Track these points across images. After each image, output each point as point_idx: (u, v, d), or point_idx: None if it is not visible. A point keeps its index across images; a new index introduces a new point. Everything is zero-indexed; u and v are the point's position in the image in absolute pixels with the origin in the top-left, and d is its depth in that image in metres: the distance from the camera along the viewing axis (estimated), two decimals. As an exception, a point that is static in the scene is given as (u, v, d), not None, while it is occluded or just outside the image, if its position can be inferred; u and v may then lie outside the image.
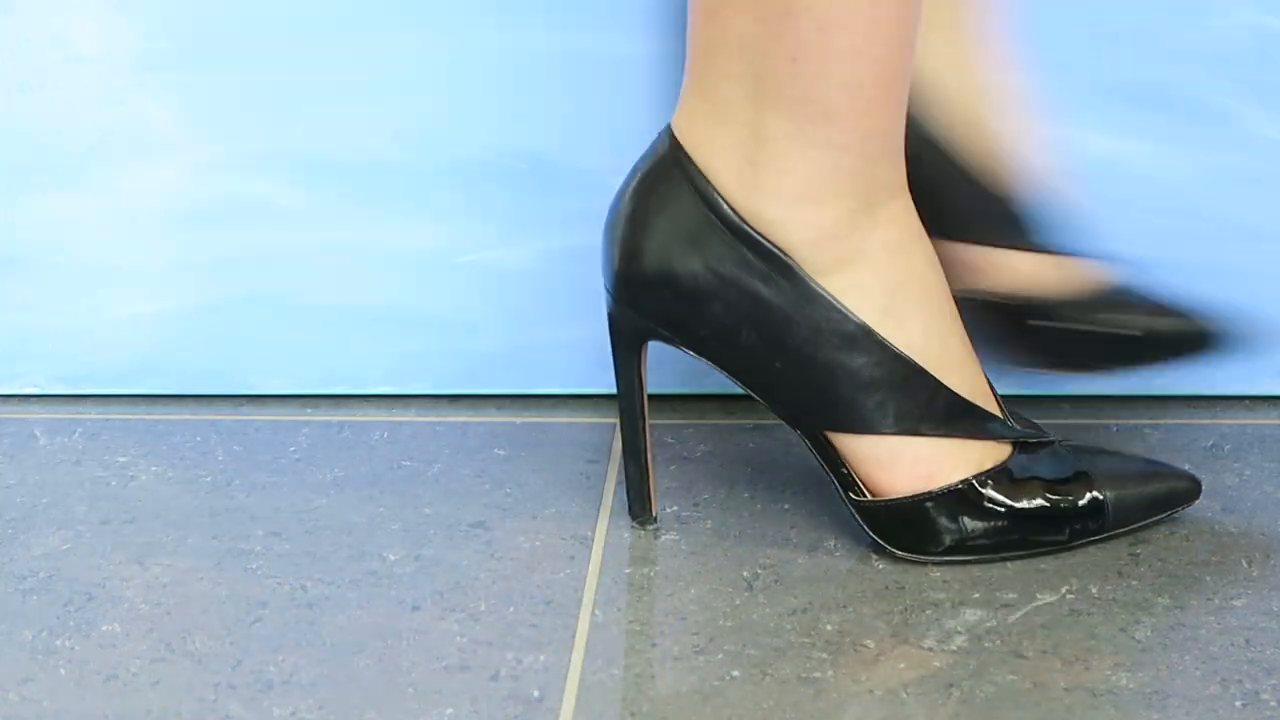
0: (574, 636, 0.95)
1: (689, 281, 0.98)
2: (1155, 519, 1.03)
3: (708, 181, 0.97)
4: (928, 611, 0.97)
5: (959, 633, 0.95)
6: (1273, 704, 0.90)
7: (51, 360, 1.20)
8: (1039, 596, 0.98)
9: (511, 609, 0.98)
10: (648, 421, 1.03)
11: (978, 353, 1.02)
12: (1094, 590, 0.99)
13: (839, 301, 0.97)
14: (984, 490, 0.99)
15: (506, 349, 1.19)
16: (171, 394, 1.20)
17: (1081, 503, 1.01)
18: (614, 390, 1.02)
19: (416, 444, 1.14)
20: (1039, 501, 1.00)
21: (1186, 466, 1.07)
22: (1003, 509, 0.99)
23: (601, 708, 0.90)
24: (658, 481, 1.08)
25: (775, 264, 0.97)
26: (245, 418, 1.18)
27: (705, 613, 0.97)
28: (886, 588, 0.99)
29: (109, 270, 1.18)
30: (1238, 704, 0.90)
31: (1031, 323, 1.08)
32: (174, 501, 1.08)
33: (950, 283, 1.00)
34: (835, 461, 0.99)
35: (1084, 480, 1.01)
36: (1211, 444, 1.13)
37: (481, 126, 1.16)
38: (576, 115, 1.16)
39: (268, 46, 1.15)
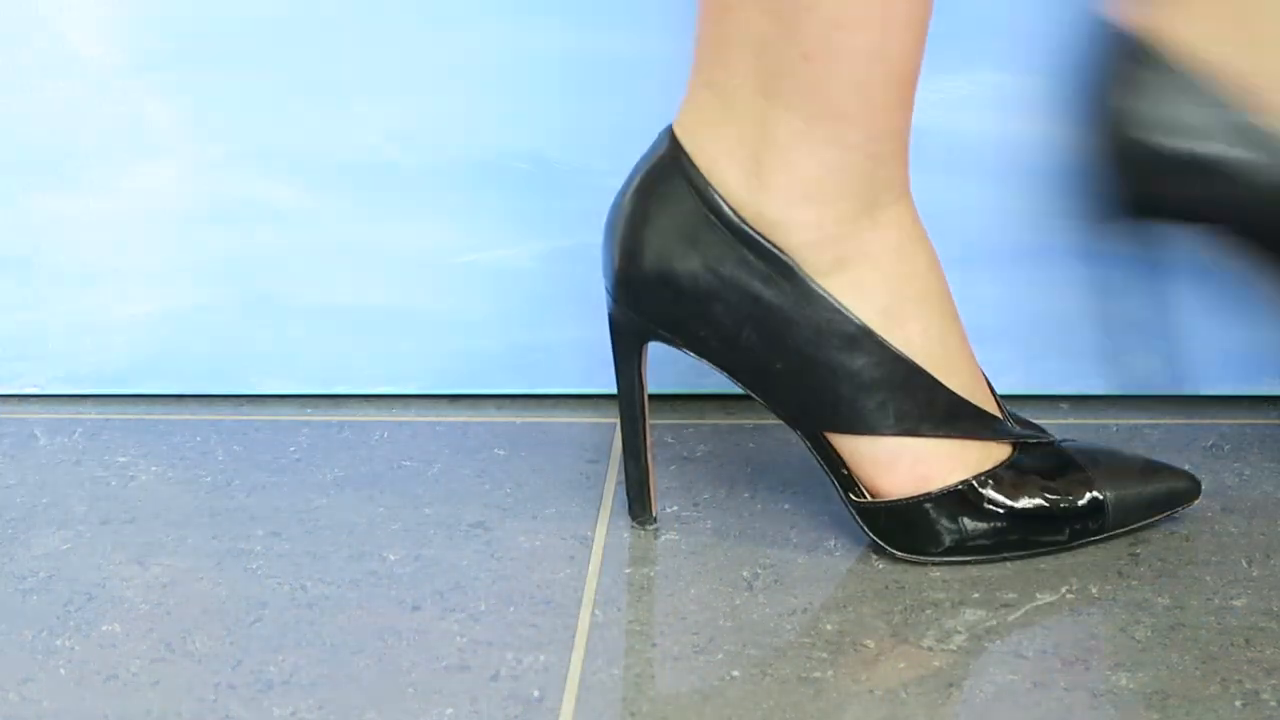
0: (574, 636, 0.95)
1: (689, 282, 0.98)
2: (1155, 519, 1.03)
3: (708, 182, 0.97)
4: (928, 611, 0.97)
5: (959, 633, 0.95)
6: (1273, 704, 0.90)
7: (51, 360, 1.20)
8: (1039, 596, 0.98)
9: (511, 609, 0.98)
10: (648, 421, 1.03)
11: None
12: (1094, 590, 0.99)
13: (839, 302, 0.97)
14: (983, 491, 0.99)
15: (506, 349, 1.19)
16: (171, 394, 1.20)
17: (1081, 503, 1.01)
18: (614, 390, 1.02)
19: (416, 444, 1.14)
20: (1039, 502, 1.00)
21: (1186, 466, 1.07)
22: (1002, 509, 0.99)
23: (601, 708, 0.90)
24: (658, 481, 1.08)
25: (776, 264, 0.97)
26: (245, 418, 1.18)
27: (705, 613, 0.97)
28: (886, 588, 0.99)
29: (109, 270, 1.18)
30: (1238, 704, 0.90)
31: None
32: (174, 501, 1.08)
33: None
34: (835, 462, 0.99)
35: (1084, 480, 1.01)
36: (1211, 444, 1.13)
37: (481, 126, 1.16)
38: (576, 115, 1.16)
39: (268, 46, 1.15)
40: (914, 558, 1.00)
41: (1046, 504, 1.00)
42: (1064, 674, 0.92)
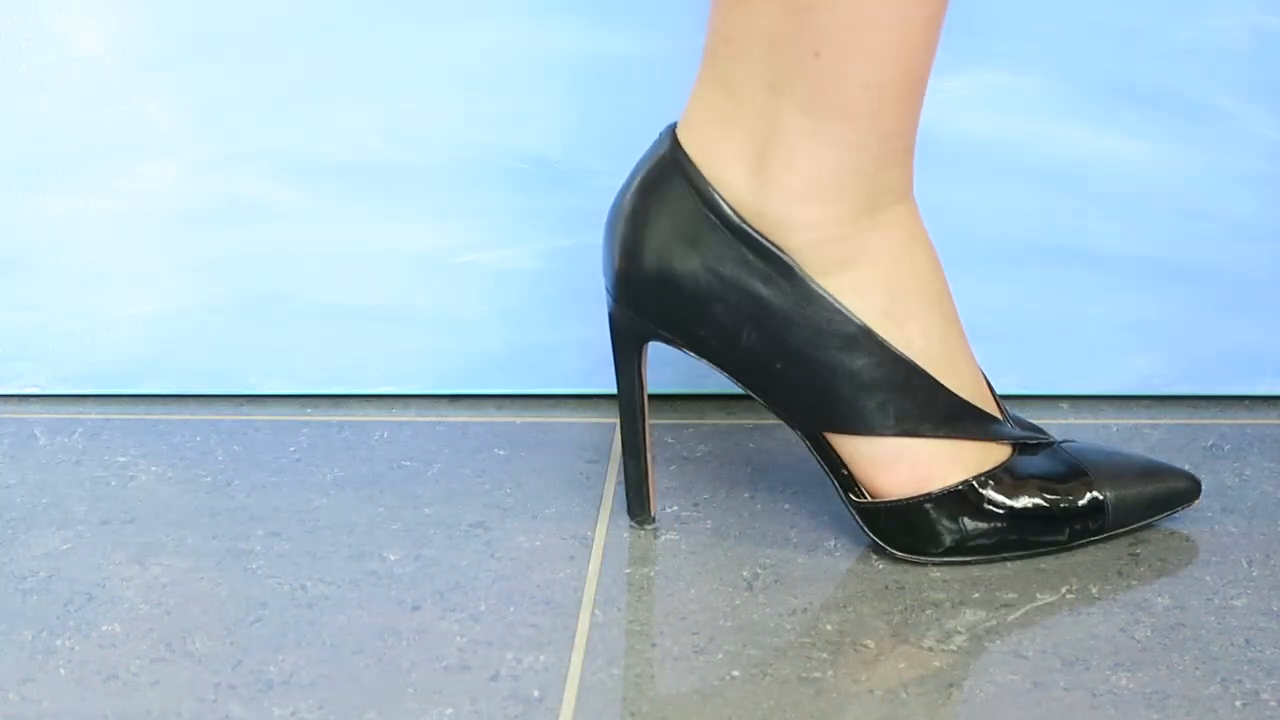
0: (574, 636, 0.95)
1: (689, 282, 0.98)
2: (1155, 519, 1.03)
3: (708, 181, 0.97)
4: (928, 611, 0.97)
5: (959, 633, 0.95)
6: (1273, 704, 0.90)
7: (51, 360, 1.20)
8: (1039, 596, 0.98)
9: (511, 609, 0.98)
10: (648, 421, 1.03)
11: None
12: (1094, 590, 0.99)
13: (839, 302, 0.97)
14: (984, 491, 0.99)
15: (506, 349, 1.19)
16: (171, 394, 1.20)
17: (1081, 503, 1.01)
18: (614, 390, 1.02)
19: (416, 444, 1.14)
20: (1039, 502, 1.00)
21: (1186, 466, 1.07)
22: (1002, 510, 0.99)
23: (601, 708, 0.90)
24: (658, 481, 1.08)
25: (776, 264, 0.97)
26: (245, 418, 1.18)
27: (705, 613, 0.97)
28: (886, 588, 0.99)
29: (109, 270, 1.18)
30: (1238, 704, 0.90)
31: None
32: (174, 501, 1.08)
33: None
34: (835, 462, 0.99)
35: (1084, 480, 1.01)
36: (1211, 444, 1.13)
37: (481, 126, 1.16)
38: (576, 115, 1.16)
39: (268, 46, 1.15)
40: (914, 558, 1.00)
41: (1046, 504, 1.00)
42: (1064, 674, 0.92)
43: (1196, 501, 1.04)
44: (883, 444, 0.98)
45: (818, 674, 0.92)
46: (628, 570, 1.01)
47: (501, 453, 1.13)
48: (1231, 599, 0.98)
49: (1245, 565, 1.01)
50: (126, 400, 1.20)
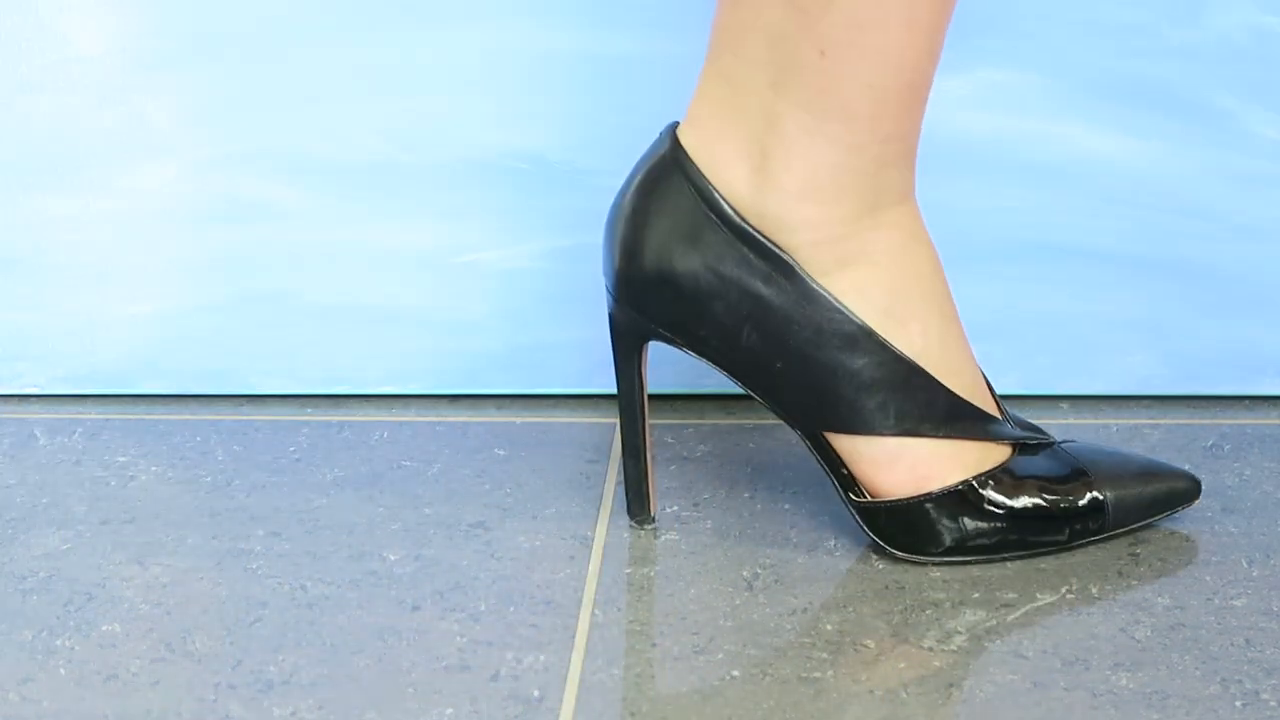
0: (574, 636, 0.95)
1: (689, 282, 0.98)
2: (1155, 519, 1.03)
3: (708, 180, 0.97)
4: (928, 611, 0.97)
5: (959, 633, 0.95)
6: (1273, 704, 0.90)
7: (51, 360, 1.20)
8: (1039, 596, 0.98)
9: (511, 609, 0.98)
10: (648, 421, 1.03)
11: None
12: (1094, 590, 0.99)
13: (840, 302, 0.97)
14: (983, 491, 0.99)
15: (506, 349, 1.19)
16: (171, 394, 1.20)
17: (1081, 503, 1.01)
18: (614, 390, 1.02)
19: (416, 444, 1.14)
20: (1039, 502, 1.00)
21: (1186, 466, 1.07)
22: (1002, 510, 0.99)
23: (601, 708, 0.90)
24: (658, 481, 1.08)
25: (776, 264, 0.97)
26: (245, 418, 1.18)
27: (705, 613, 0.97)
28: (886, 588, 0.99)
29: (109, 270, 1.18)
30: (1238, 704, 0.90)
31: None
32: (174, 501, 1.08)
33: None
34: (835, 462, 0.99)
35: (1084, 480, 1.01)
36: (1211, 444, 1.13)
37: (481, 126, 1.16)
38: (576, 115, 1.16)
39: (268, 46, 1.16)
40: (914, 558, 1.00)
41: (1046, 504, 1.00)
42: (1064, 674, 0.92)
43: (1196, 501, 1.04)
44: (882, 444, 0.98)
45: (818, 674, 0.92)
46: (628, 570, 1.01)
47: (501, 453, 1.13)
48: (1231, 599, 0.98)
49: (1245, 565, 1.01)
50: (126, 400, 1.20)
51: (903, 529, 0.99)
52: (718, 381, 1.13)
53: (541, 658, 0.94)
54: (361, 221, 1.17)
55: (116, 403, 1.20)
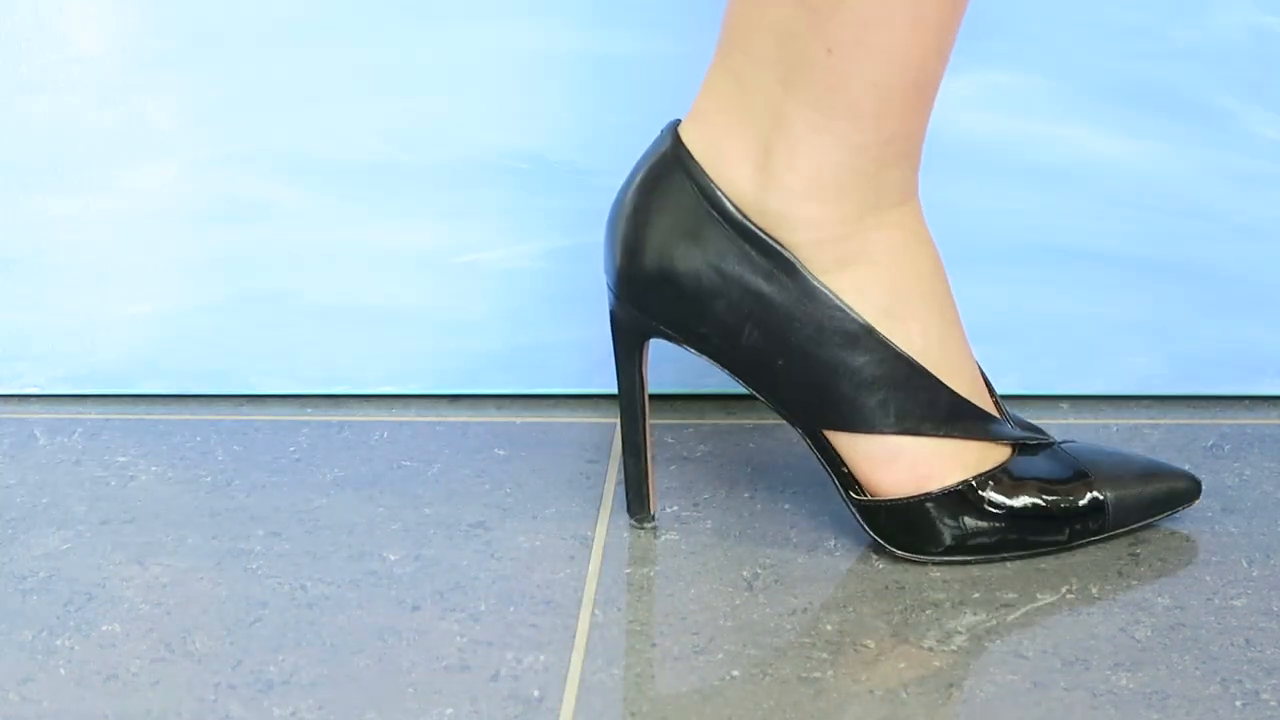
0: (574, 636, 0.95)
1: (691, 279, 0.98)
2: (1155, 519, 1.03)
3: (710, 178, 0.97)
4: (928, 611, 0.97)
5: (959, 633, 0.95)
6: (1273, 704, 0.90)
7: (51, 360, 1.20)
8: (1039, 596, 0.98)
9: (511, 609, 0.97)
10: (648, 419, 1.03)
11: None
12: (1094, 590, 0.99)
13: (841, 300, 0.97)
14: (984, 491, 0.99)
15: (506, 349, 1.19)
16: (171, 394, 1.20)
17: (1081, 503, 1.01)
18: (614, 390, 1.02)
19: (416, 444, 1.14)
20: (1039, 502, 1.00)
21: (1186, 466, 1.07)
22: (1002, 510, 0.99)
23: (601, 708, 0.90)
24: (658, 481, 1.08)
25: (778, 261, 0.97)
26: (245, 418, 1.18)
27: (705, 613, 0.97)
28: (886, 588, 0.99)
29: (109, 270, 1.18)
30: (1238, 704, 0.90)
31: None
32: (174, 501, 1.08)
33: None
34: (835, 461, 0.99)
35: (1084, 480, 1.01)
36: (1211, 444, 1.13)
37: (481, 126, 1.16)
38: (576, 115, 1.16)
39: (268, 46, 1.15)
40: (914, 557, 1.00)
41: (1046, 504, 1.00)
42: (1064, 674, 0.92)
43: (1197, 501, 1.04)
44: (883, 442, 0.98)
45: (818, 674, 0.92)
46: (628, 570, 1.01)
47: (501, 453, 1.13)
48: (1231, 599, 0.98)
49: (1245, 565, 1.01)
50: (126, 400, 1.20)
51: (903, 528, 0.99)
52: (718, 381, 1.13)
53: (541, 658, 0.94)
54: (361, 221, 1.17)
55: (116, 403, 1.20)
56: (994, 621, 0.96)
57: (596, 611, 0.97)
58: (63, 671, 0.93)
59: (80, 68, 1.16)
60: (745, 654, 0.94)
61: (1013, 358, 1.16)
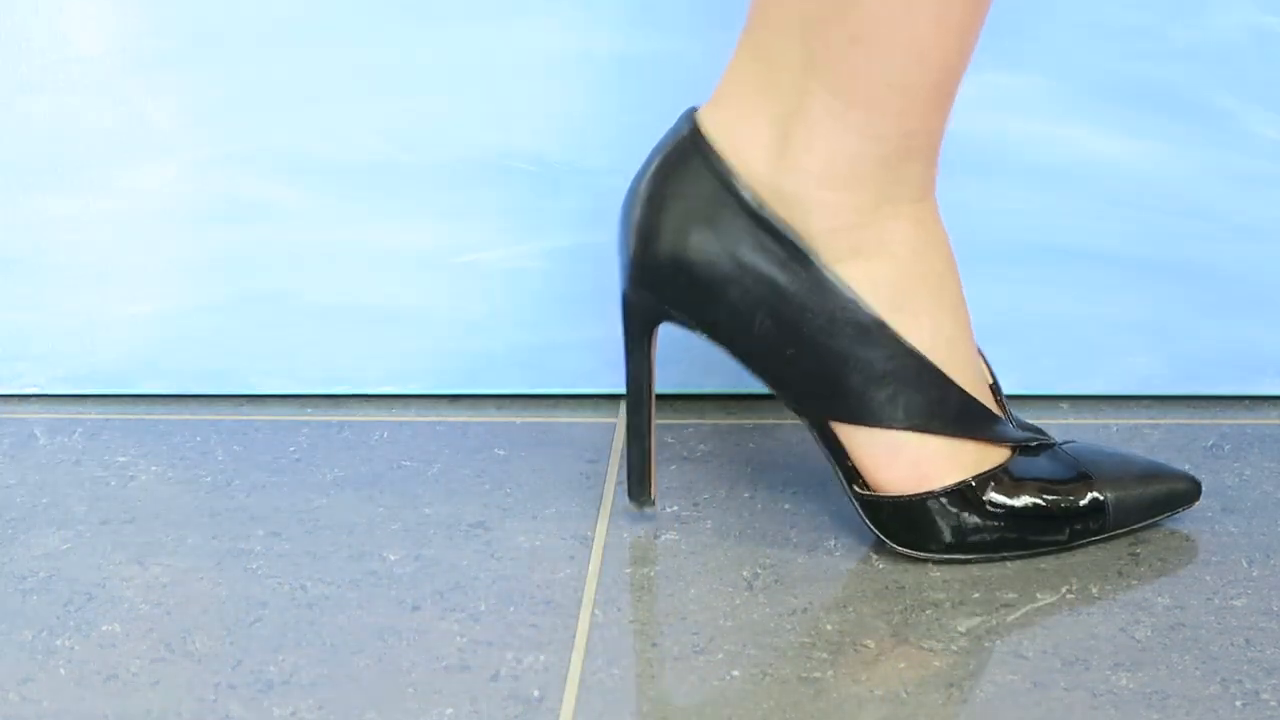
0: (574, 636, 0.95)
1: (705, 266, 0.98)
2: (1155, 520, 1.03)
3: (727, 166, 0.97)
4: (928, 611, 0.97)
5: (959, 633, 0.95)
6: (1273, 704, 0.90)
7: (51, 360, 1.20)
8: (1039, 596, 0.98)
9: (511, 609, 0.97)
10: (653, 405, 1.02)
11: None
12: (1094, 590, 0.99)
13: (854, 292, 0.97)
14: (985, 491, 0.99)
15: (506, 349, 1.19)
16: (171, 394, 1.20)
17: (1082, 503, 1.01)
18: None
19: (416, 444, 1.14)
20: (1039, 502, 1.00)
21: (1186, 467, 1.07)
22: (1003, 509, 0.99)
23: (601, 708, 0.90)
24: (658, 482, 1.08)
25: (792, 250, 0.97)
26: (245, 418, 1.18)
27: (705, 613, 0.97)
28: (886, 588, 0.99)
29: (109, 270, 1.18)
30: (1238, 704, 0.90)
31: None
32: (174, 501, 1.08)
33: None
34: (840, 454, 0.99)
35: (1084, 481, 1.01)
36: (1211, 444, 1.13)
37: (481, 126, 1.16)
38: (576, 115, 1.16)
39: (268, 46, 1.15)
40: (915, 553, 1.00)
41: (1047, 504, 1.00)
42: (1064, 674, 0.92)
43: (1197, 503, 1.04)
44: (888, 437, 0.98)
45: (818, 674, 0.92)
46: (628, 570, 1.01)
47: (501, 453, 1.13)
48: (1231, 599, 0.98)
49: (1245, 565, 1.01)
50: (126, 400, 1.20)
51: (905, 524, 0.99)
52: (718, 381, 1.13)
53: (541, 658, 0.94)
54: (361, 221, 1.17)
55: (116, 403, 1.20)
56: (994, 621, 0.96)
57: (596, 611, 0.97)
58: (63, 671, 0.93)
59: (80, 68, 1.16)
60: (745, 654, 0.94)
61: (1013, 358, 1.16)
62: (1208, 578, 1.00)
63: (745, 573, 1.01)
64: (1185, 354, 1.17)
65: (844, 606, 0.97)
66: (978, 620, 0.96)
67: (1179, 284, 1.16)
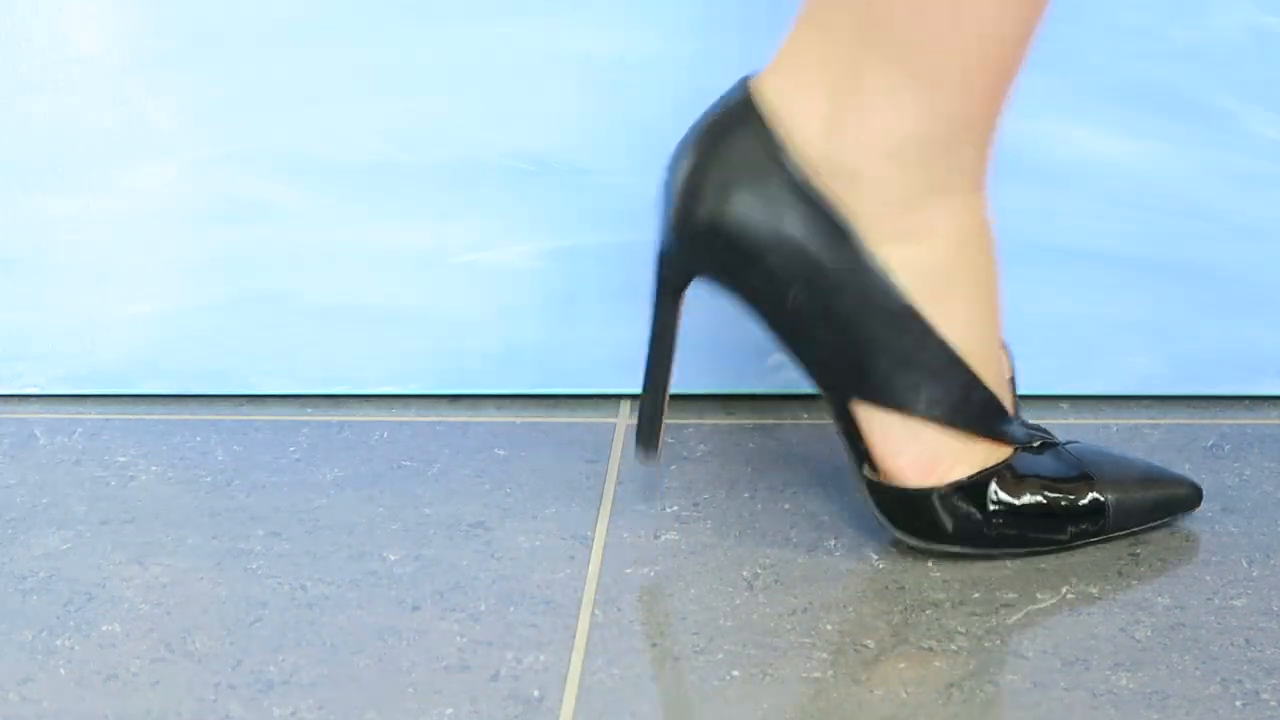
0: (574, 636, 0.95)
1: (745, 234, 0.97)
2: (1154, 524, 1.03)
3: (779, 136, 0.96)
4: (928, 611, 0.97)
5: (959, 633, 0.95)
6: (1273, 704, 0.90)
7: (51, 360, 1.20)
8: (1039, 596, 0.98)
9: (511, 609, 0.97)
10: (673, 362, 1.01)
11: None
12: (1094, 590, 0.99)
13: (891, 277, 0.96)
14: (989, 486, 0.99)
15: (506, 349, 1.19)
16: (171, 394, 1.20)
17: (1083, 503, 1.01)
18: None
19: (416, 444, 1.14)
20: (1040, 500, 1.00)
21: (1186, 466, 1.07)
22: (1005, 506, 0.99)
23: (601, 708, 0.90)
24: (658, 482, 1.08)
25: (835, 227, 0.96)
26: (245, 418, 1.18)
27: (705, 613, 0.97)
28: (886, 588, 0.99)
29: (109, 270, 1.18)
30: (1238, 704, 0.90)
31: None
32: (174, 501, 1.08)
33: None
34: (855, 434, 0.99)
35: (1086, 481, 1.01)
36: (1211, 444, 1.13)
37: (481, 126, 1.16)
38: (576, 115, 1.16)
39: (268, 46, 1.15)
40: (914, 541, 1.00)
41: (1048, 503, 1.00)
42: (1064, 674, 0.92)
43: (1197, 509, 1.04)
44: (905, 423, 0.98)
45: (818, 674, 0.92)
46: (628, 570, 1.01)
47: (501, 453, 1.13)
48: (1231, 599, 0.98)
49: (1245, 565, 1.01)
50: (126, 400, 1.20)
51: (908, 513, 0.99)
52: (718, 381, 1.13)
53: (541, 658, 0.94)
54: (361, 221, 1.17)
55: (116, 403, 1.20)
56: (994, 621, 0.96)
57: (596, 611, 0.97)
58: (63, 671, 0.93)
59: (80, 68, 1.16)
60: (745, 654, 0.94)
61: (1016, 359, 1.16)
62: (1208, 578, 1.00)
63: (745, 573, 1.01)
64: (1185, 354, 1.17)
65: (844, 606, 0.97)
66: (978, 620, 0.96)
67: (1179, 284, 1.16)
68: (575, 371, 1.18)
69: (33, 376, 1.20)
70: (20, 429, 1.17)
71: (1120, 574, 1.00)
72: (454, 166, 1.17)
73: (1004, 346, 1.02)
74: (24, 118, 1.17)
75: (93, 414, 1.18)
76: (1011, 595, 0.98)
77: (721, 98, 0.99)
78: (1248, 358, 1.17)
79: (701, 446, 1.13)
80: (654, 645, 0.95)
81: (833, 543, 1.03)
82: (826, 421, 1.15)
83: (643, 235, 1.16)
